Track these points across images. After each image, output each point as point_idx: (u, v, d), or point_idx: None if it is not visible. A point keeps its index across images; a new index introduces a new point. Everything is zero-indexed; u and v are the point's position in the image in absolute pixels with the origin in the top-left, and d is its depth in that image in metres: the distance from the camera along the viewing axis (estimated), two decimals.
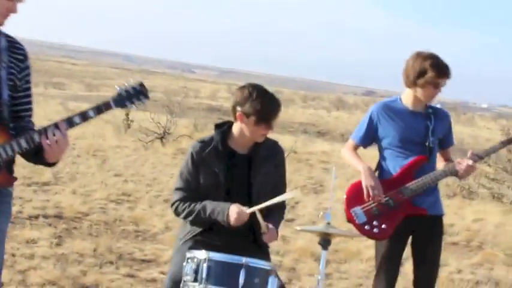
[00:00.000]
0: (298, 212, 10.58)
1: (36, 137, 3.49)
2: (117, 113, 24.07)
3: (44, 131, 3.48)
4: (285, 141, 22.25)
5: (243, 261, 3.80)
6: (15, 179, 3.62)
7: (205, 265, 3.81)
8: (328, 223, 3.90)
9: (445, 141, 5.04)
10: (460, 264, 8.34)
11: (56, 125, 3.51)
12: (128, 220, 8.97)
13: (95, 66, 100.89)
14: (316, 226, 4.13)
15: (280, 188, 4.46)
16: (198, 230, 4.40)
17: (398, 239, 4.89)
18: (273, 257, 7.76)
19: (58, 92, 51.00)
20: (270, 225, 4.26)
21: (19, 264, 6.45)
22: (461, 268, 8.17)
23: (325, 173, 15.14)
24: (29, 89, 3.69)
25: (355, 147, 5.06)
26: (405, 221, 4.85)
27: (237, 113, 4.36)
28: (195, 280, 3.83)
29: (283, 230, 8.67)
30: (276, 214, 4.44)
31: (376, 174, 4.94)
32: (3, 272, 6.14)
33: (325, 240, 3.93)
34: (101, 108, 3.58)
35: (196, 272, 3.83)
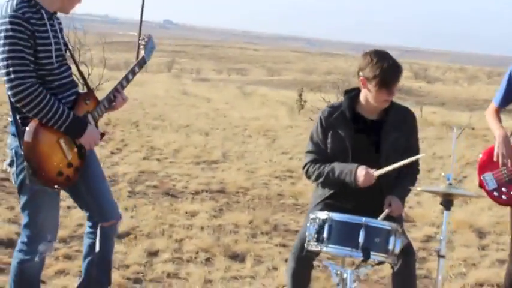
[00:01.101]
0: (464, 186, 10.29)
1: (112, 97, 4.31)
2: (291, 95, 24.48)
3: (112, 96, 4.30)
4: (462, 117, 21.68)
5: (363, 221, 3.82)
6: (104, 134, 4.35)
7: (326, 225, 3.88)
8: (450, 184, 3.82)
9: None
10: None
11: (116, 90, 4.32)
12: (288, 194, 9.15)
13: (276, 51, 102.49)
14: (437, 186, 4.05)
15: (411, 156, 4.35)
16: (328, 193, 4.46)
17: None
18: (428, 227, 7.73)
19: (239, 77, 52.45)
20: (392, 201, 4.27)
21: (177, 234, 6.75)
22: None
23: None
24: None
25: (497, 110, 4.91)
26: None
27: (360, 78, 4.36)
28: (318, 240, 3.91)
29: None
30: (405, 180, 4.41)
31: None
32: (160, 240, 6.51)
33: (446, 201, 3.86)
34: (142, 64, 4.46)
35: (318, 232, 3.90)
